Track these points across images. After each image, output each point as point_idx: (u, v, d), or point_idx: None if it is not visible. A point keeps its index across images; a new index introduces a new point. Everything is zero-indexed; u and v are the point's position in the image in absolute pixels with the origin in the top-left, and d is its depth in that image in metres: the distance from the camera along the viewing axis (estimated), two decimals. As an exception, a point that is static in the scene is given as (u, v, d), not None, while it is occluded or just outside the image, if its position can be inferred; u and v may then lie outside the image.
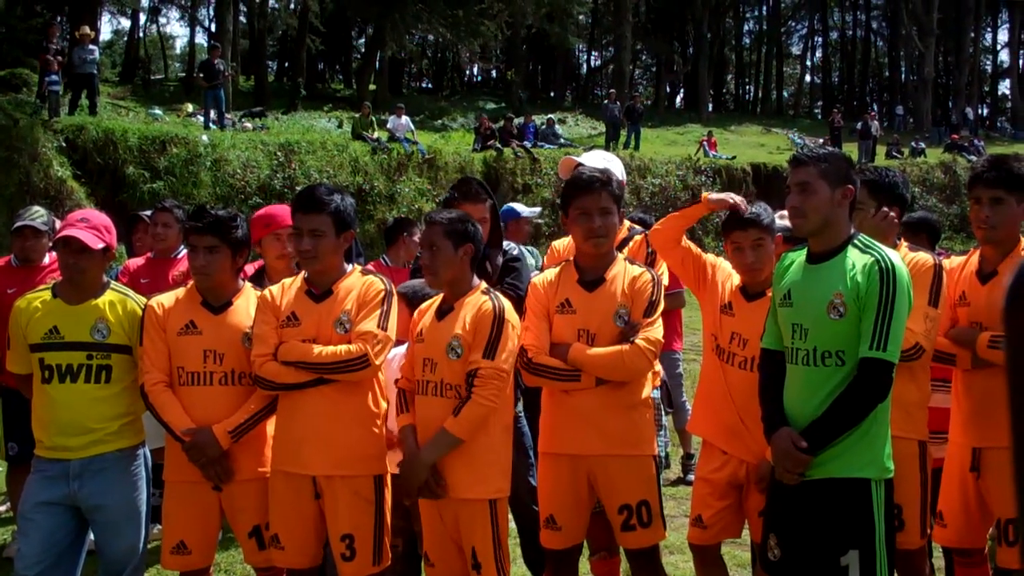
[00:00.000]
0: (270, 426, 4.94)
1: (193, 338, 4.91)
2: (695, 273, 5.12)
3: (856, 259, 4.13)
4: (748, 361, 4.80)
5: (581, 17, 56.45)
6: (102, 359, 4.92)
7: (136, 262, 7.48)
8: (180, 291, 5.11)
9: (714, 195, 4.99)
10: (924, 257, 4.79)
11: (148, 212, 8.16)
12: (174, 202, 7.75)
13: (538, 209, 6.92)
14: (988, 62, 72.17)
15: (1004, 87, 74.59)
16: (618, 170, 5.45)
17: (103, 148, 21.24)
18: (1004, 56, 73.89)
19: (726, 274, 5.06)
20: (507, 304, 4.70)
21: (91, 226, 4.93)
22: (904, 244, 4.97)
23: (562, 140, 33.12)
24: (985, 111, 68.20)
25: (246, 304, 5.00)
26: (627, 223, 5.74)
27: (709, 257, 5.18)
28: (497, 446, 4.66)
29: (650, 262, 5.30)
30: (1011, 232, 4.82)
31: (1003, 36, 73.27)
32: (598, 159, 5.71)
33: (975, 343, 4.75)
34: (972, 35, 58.65)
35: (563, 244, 5.68)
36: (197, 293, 5.01)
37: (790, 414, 4.23)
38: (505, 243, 5.64)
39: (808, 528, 4.16)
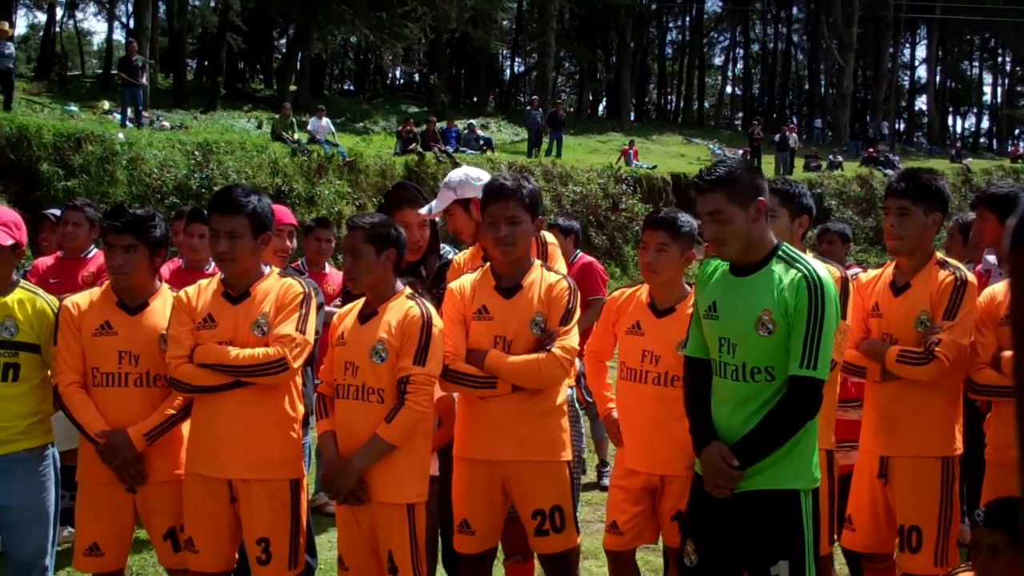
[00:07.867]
0: (185, 427, 4.89)
1: (108, 339, 4.84)
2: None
3: (783, 273, 4.07)
4: (662, 376, 4.84)
5: (505, 22, 56.38)
6: (9, 357, 4.83)
7: (45, 261, 7.36)
8: (95, 291, 5.03)
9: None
10: (830, 270, 4.82)
11: (54, 211, 8.04)
12: (85, 200, 7.61)
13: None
14: (906, 78, 73.58)
15: (921, 103, 76.49)
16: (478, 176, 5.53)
17: (16, 145, 20.72)
18: (922, 72, 75.76)
19: (629, 298, 5.14)
20: (433, 310, 4.71)
21: (0, 222, 4.85)
22: (810, 255, 5.04)
23: (482, 143, 32.99)
24: (902, 126, 69.56)
25: (163, 305, 4.93)
26: None
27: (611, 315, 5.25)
28: (416, 450, 4.66)
29: (542, 255, 5.27)
30: (921, 244, 4.89)
31: (921, 52, 75.11)
32: (459, 173, 5.70)
33: (884, 357, 4.83)
34: (891, 50, 59.71)
35: (463, 256, 5.65)
36: (113, 293, 4.94)
37: (717, 426, 4.16)
38: (442, 248, 5.67)
39: (736, 538, 4.13)
